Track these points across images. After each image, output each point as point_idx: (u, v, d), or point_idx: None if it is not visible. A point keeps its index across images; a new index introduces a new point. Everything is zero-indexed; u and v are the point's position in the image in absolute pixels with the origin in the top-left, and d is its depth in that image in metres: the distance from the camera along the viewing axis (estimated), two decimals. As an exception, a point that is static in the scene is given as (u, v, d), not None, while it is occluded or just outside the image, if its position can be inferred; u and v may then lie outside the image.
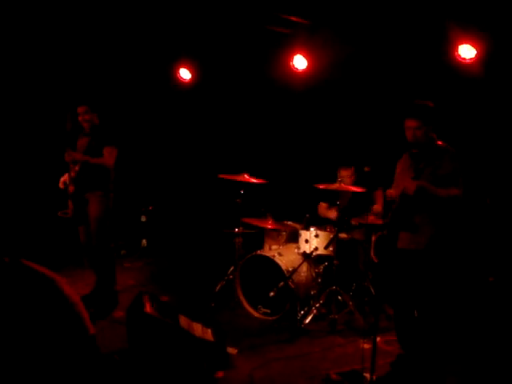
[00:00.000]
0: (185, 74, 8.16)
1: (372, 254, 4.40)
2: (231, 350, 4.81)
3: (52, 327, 2.09)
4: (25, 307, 2.09)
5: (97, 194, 5.60)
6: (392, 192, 4.24)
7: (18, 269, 2.20)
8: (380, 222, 5.17)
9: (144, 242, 8.50)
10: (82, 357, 2.14)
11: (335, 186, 5.77)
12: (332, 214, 6.24)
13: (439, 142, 4.33)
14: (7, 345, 2.04)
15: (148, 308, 4.49)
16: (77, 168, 5.52)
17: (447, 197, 4.15)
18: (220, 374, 4.39)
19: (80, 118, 5.65)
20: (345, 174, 6.27)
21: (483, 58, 5.70)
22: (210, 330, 4.79)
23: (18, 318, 2.07)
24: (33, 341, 2.07)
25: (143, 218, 8.63)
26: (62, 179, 5.72)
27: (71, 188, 5.57)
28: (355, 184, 6.19)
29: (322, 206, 6.57)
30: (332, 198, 6.18)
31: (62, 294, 2.19)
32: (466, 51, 5.77)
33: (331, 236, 5.71)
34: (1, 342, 2.04)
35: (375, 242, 4.34)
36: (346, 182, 6.07)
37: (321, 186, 5.82)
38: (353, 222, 5.94)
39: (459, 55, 5.80)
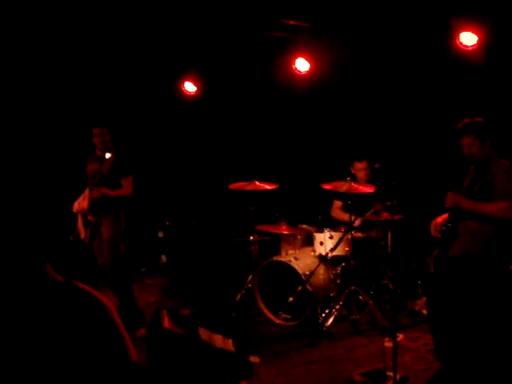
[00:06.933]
0: (190, 87, 8.19)
1: (431, 264, 4.39)
2: (253, 359, 4.79)
3: (97, 350, 2.09)
4: (74, 328, 2.09)
5: (110, 217, 5.65)
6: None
7: (71, 289, 2.21)
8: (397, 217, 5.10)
9: (163, 257, 8.51)
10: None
11: (344, 188, 5.70)
12: (347, 217, 6.13)
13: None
14: (53, 365, 2.05)
15: (166, 323, 4.48)
16: (94, 196, 5.56)
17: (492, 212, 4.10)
18: (243, 384, 4.38)
19: (96, 140, 5.66)
20: (360, 166, 6.28)
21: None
22: (230, 341, 4.77)
23: (67, 339, 2.08)
24: (77, 363, 2.07)
25: (160, 234, 8.66)
26: (75, 204, 5.75)
27: (89, 216, 5.63)
28: (370, 179, 6.18)
29: (337, 204, 6.48)
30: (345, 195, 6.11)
31: (110, 317, 2.19)
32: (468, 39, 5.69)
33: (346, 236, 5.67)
34: (48, 363, 2.04)
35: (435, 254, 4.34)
36: (361, 175, 6.22)
37: (327, 187, 5.75)
38: (367, 219, 5.89)
39: (461, 43, 5.73)
